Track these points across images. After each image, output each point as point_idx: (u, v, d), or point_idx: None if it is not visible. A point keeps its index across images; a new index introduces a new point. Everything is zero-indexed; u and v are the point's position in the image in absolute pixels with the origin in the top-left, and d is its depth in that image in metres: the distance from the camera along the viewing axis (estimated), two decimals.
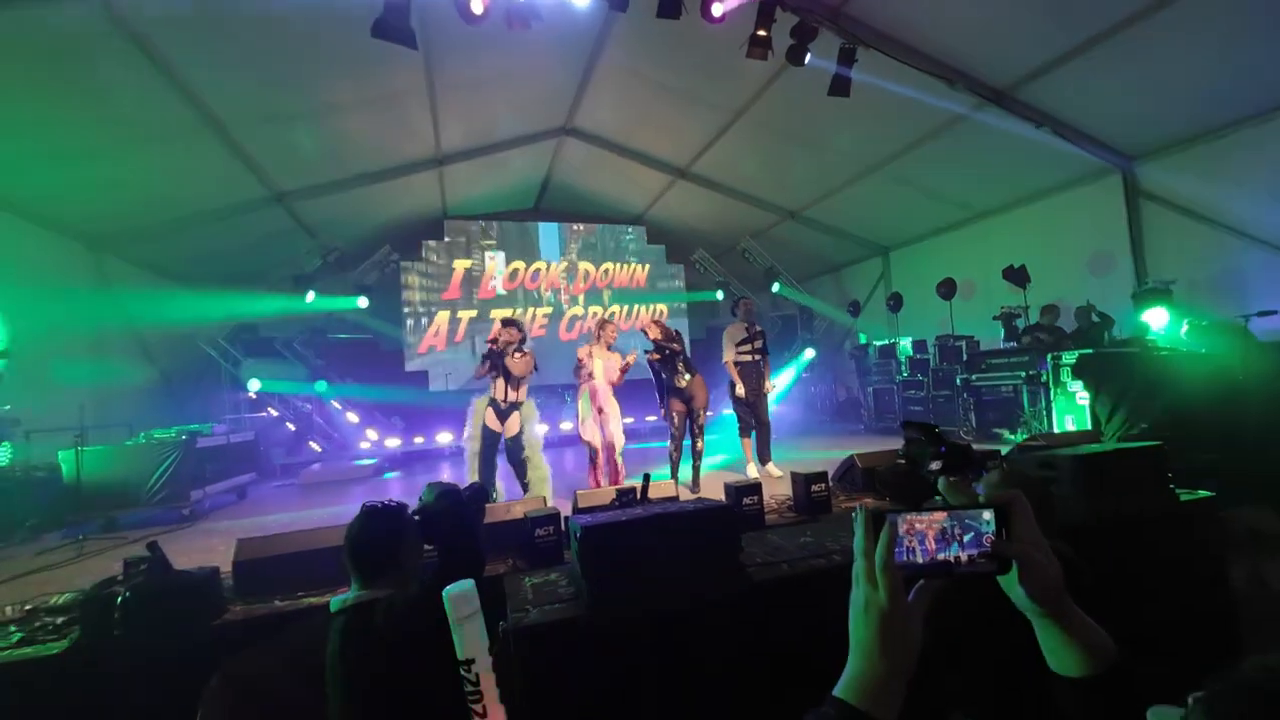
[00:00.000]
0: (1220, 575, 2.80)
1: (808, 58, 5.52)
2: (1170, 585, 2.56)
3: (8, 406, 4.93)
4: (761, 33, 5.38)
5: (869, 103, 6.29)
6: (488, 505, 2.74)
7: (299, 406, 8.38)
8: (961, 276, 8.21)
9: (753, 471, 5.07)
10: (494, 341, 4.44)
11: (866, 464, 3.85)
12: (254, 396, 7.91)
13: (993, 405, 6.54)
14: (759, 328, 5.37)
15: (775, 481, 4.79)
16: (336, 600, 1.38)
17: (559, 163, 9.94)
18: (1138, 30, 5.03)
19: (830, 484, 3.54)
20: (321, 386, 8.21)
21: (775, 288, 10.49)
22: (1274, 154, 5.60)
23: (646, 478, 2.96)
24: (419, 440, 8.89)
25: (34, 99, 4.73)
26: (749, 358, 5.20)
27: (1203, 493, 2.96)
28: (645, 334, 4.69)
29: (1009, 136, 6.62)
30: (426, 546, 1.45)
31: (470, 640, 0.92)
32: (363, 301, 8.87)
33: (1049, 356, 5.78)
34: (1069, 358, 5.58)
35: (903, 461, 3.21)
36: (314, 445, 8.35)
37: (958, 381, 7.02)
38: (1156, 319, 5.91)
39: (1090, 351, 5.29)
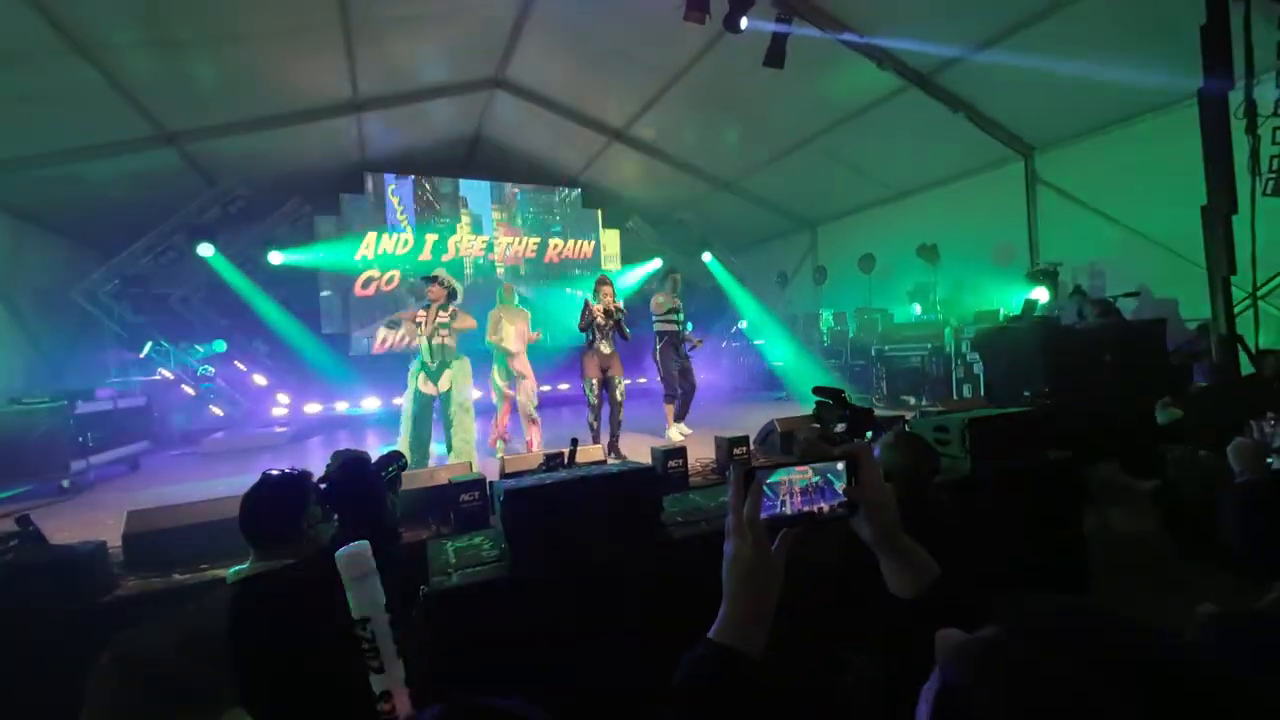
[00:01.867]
0: (1075, 519, 3.23)
1: (744, 23, 5.50)
2: (1035, 528, 2.94)
3: None
4: None
5: (802, 76, 6.38)
6: (411, 471, 2.68)
7: (198, 369, 7.72)
8: (880, 252, 8.66)
9: (674, 435, 5.24)
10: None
11: (785, 428, 4.06)
12: (164, 374, 7.21)
13: (902, 374, 7.03)
14: (678, 302, 5.58)
15: (696, 445, 4.97)
16: (233, 571, 1.33)
17: (489, 118, 9.47)
18: (1040, 29, 5.39)
19: (751, 447, 3.72)
20: (220, 346, 7.58)
21: (707, 258, 10.64)
22: (1143, 153, 6.21)
23: (574, 442, 2.99)
24: (341, 406, 8.47)
25: None
26: (674, 326, 5.40)
27: (1064, 452, 3.39)
28: (596, 292, 4.71)
29: (929, 119, 6.96)
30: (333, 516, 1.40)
31: (363, 599, 0.92)
32: (275, 257, 8.20)
33: (949, 329, 6.28)
34: (968, 331, 6.08)
35: (816, 425, 3.39)
36: (215, 410, 7.75)
37: (872, 352, 7.47)
38: (1042, 296, 6.52)
39: (988, 326, 5.79)
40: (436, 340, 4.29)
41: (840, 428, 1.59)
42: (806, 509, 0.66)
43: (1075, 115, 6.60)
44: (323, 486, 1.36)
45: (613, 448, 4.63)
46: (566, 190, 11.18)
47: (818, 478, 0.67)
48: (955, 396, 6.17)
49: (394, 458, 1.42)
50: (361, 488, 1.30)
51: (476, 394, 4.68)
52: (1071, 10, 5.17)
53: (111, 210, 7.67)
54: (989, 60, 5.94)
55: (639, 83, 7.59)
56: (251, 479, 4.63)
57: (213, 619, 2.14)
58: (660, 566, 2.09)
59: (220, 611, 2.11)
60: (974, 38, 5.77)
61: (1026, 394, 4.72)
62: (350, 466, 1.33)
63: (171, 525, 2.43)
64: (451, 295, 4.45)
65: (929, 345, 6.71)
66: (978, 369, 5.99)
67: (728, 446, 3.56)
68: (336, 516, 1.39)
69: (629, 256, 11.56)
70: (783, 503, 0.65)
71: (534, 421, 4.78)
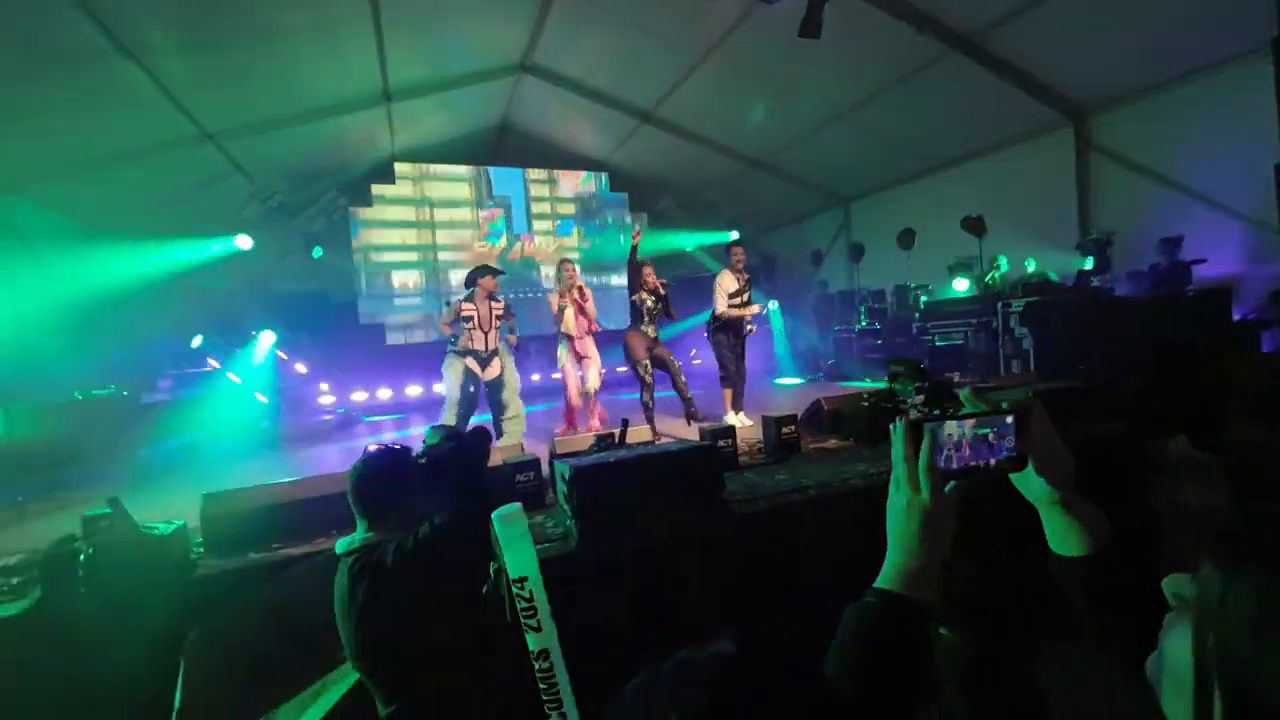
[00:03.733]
0: (1141, 496, 3.12)
1: None
2: (1103, 503, 2.84)
3: None
4: None
5: (836, 47, 6.17)
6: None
7: (247, 363, 7.97)
8: (919, 227, 8.40)
9: (731, 420, 5.17)
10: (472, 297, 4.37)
11: (832, 406, 3.99)
12: (212, 363, 7.46)
13: (945, 351, 6.84)
14: (746, 276, 5.24)
15: (743, 429, 4.92)
16: (343, 542, 1.36)
17: (517, 104, 9.44)
18: None
19: (798, 426, 3.67)
20: (269, 337, 7.81)
21: (734, 235, 10.48)
22: (1214, 111, 5.84)
23: (625, 422, 3.00)
24: (383, 395, 8.68)
25: None
26: (739, 312, 5.11)
27: (1121, 425, 3.27)
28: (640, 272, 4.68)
29: (969, 87, 6.68)
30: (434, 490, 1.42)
31: (521, 559, 0.93)
32: (317, 252, 8.39)
33: (999, 304, 6.06)
34: (1017, 305, 5.87)
35: (866, 403, 3.34)
36: (260, 397, 8.02)
37: (913, 329, 7.29)
38: (1094, 268, 6.25)
39: (1036, 300, 5.58)
40: (492, 332, 4.37)
41: (919, 399, 1.54)
42: (972, 463, 0.64)
43: (1131, 74, 6.24)
44: (422, 462, 1.39)
45: (692, 416, 4.64)
46: (592, 176, 11.13)
47: (985, 431, 0.64)
48: (1002, 373, 5.98)
49: (484, 434, 1.44)
50: (462, 461, 1.32)
51: (535, 377, 4.72)
52: None
53: (159, 208, 7.92)
54: (1037, 18, 5.64)
55: (669, 61, 7.46)
56: (305, 465, 4.75)
57: (290, 596, 2.23)
58: (726, 542, 2.08)
59: (302, 588, 2.19)
60: None
61: (1081, 368, 4.55)
62: (451, 441, 1.35)
63: (246, 507, 2.51)
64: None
65: (973, 321, 6.50)
66: (1026, 344, 5.78)
67: (776, 426, 3.52)
68: (437, 491, 1.41)
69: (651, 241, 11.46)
70: (947, 456, 0.63)
71: (595, 405, 4.72)
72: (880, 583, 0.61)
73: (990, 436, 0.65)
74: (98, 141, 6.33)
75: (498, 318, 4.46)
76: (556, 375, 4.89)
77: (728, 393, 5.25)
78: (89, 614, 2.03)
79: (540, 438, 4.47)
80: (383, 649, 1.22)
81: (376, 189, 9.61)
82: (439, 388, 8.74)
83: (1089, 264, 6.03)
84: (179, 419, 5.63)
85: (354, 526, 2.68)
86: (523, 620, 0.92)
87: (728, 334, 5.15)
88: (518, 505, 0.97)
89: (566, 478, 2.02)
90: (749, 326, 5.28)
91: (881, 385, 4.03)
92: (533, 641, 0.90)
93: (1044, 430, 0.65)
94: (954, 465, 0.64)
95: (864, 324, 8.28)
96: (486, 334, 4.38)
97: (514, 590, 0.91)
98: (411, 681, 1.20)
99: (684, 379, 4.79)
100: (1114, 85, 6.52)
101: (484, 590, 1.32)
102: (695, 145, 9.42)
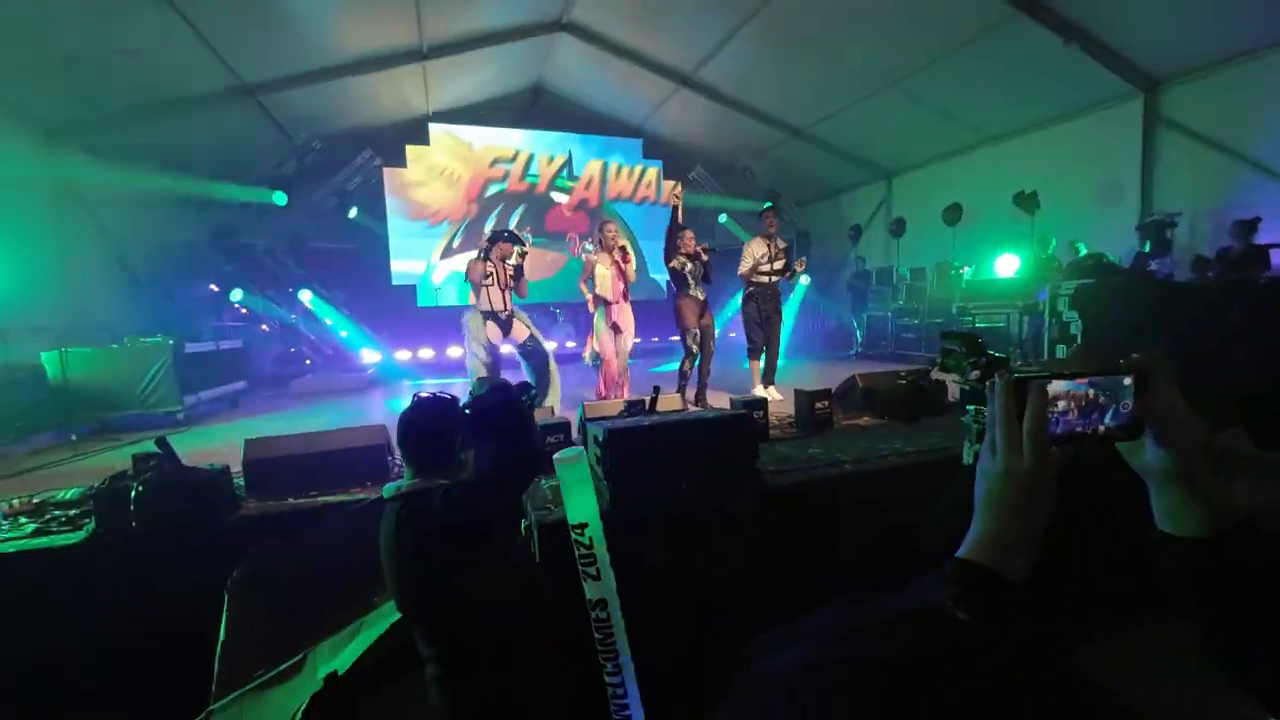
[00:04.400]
0: None
1: None
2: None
3: None
4: None
5: (893, 9, 5.85)
6: None
7: (285, 317, 8.18)
8: (967, 203, 8.05)
9: (759, 393, 5.09)
10: (489, 255, 4.32)
11: (867, 384, 3.90)
12: (241, 311, 7.67)
13: (986, 334, 6.61)
14: (782, 244, 5.07)
15: (774, 403, 4.85)
16: (390, 487, 1.38)
17: (552, 65, 9.24)
18: None
19: (831, 402, 3.59)
20: (306, 294, 7.97)
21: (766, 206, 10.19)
22: None
23: (656, 390, 2.96)
24: (407, 355, 8.82)
25: None
26: (766, 279, 4.97)
27: None
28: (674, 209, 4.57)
29: (1035, 53, 6.27)
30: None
31: (581, 504, 0.91)
32: (353, 212, 8.47)
33: (1048, 285, 5.79)
34: (1067, 287, 5.59)
35: (903, 381, 3.23)
36: (300, 354, 8.24)
37: (953, 310, 7.05)
38: (1154, 251, 5.90)
39: (1091, 281, 5.30)
40: (508, 291, 4.33)
41: (974, 375, 1.45)
42: (1079, 429, 0.58)
43: (1210, 42, 5.77)
44: (468, 412, 1.38)
45: (699, 399, 4.55)
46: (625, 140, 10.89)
47: (1091, 389, 0.58)
48: (1047, 357, 5.75)
49: (527, 387, 1.43)
50: (509, 413, 1.31)
51: (570, 344, 4.68)
52: None
53: (203, 164, 8.06)
54: None
55: (712, 21, 7.17)
56: (340, 419, 4.83)
57: (328, 540, 2.28)
58: (757, 512, 2.05)
59: (338, 534, 2.24)
60: None
61: (1135, 356, 4.32)
62: (498, 392, 1.34)
63: (285, 453, 2.57)
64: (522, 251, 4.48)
65: (1019, 303, 6.24)
66: (1074, 329, 5.52)
67: (809, 400, 3.45)
68: (479, 444, 1.40)
69: (689, 207, 11.23)
70: (1053, 420, 0.57)
71: (624, 377, 4.63)
72: (963, 553, 0.56)
73: (1100, 399, 0.58)
74: (144, 92, 6.42)
75: (512, 277, 4.38)
76: (572, 344, 4.82)
77: (755, 365, 5.15)
78: (138, 549, 2.12)
79: (567, 403, 4.47)
80: (426, 592, 1.24)
81: (411, 150, 9.57)
82: (452, 351, 8.85)
83: (1148, 247, 5.69)
84: (220, 368, 5.81)
85: (385, 478, 2.74)
86: (580, 568, 0.91)
87: (756, 304, 5.00)
88: (579, 449, 0.95)
89: (600, 439, 2.01)
90: (792, 274, 5.10)
91: (916, 367, 3.92)
92: (590, 590, 0.89)
93: (1169, 393, 0.58)
94: (1057, 430, 0.57)
95: (901, 303, 8.04)
96: (504, 293, 4.34)
97: (573, 537, 0.90)
98: (452, 624, 1.22)
99: (711, 352, 4.72)
100: (1190, 55, 6.03)
101: (515, 544, 1.32)
102: (733, 112, 9.12)
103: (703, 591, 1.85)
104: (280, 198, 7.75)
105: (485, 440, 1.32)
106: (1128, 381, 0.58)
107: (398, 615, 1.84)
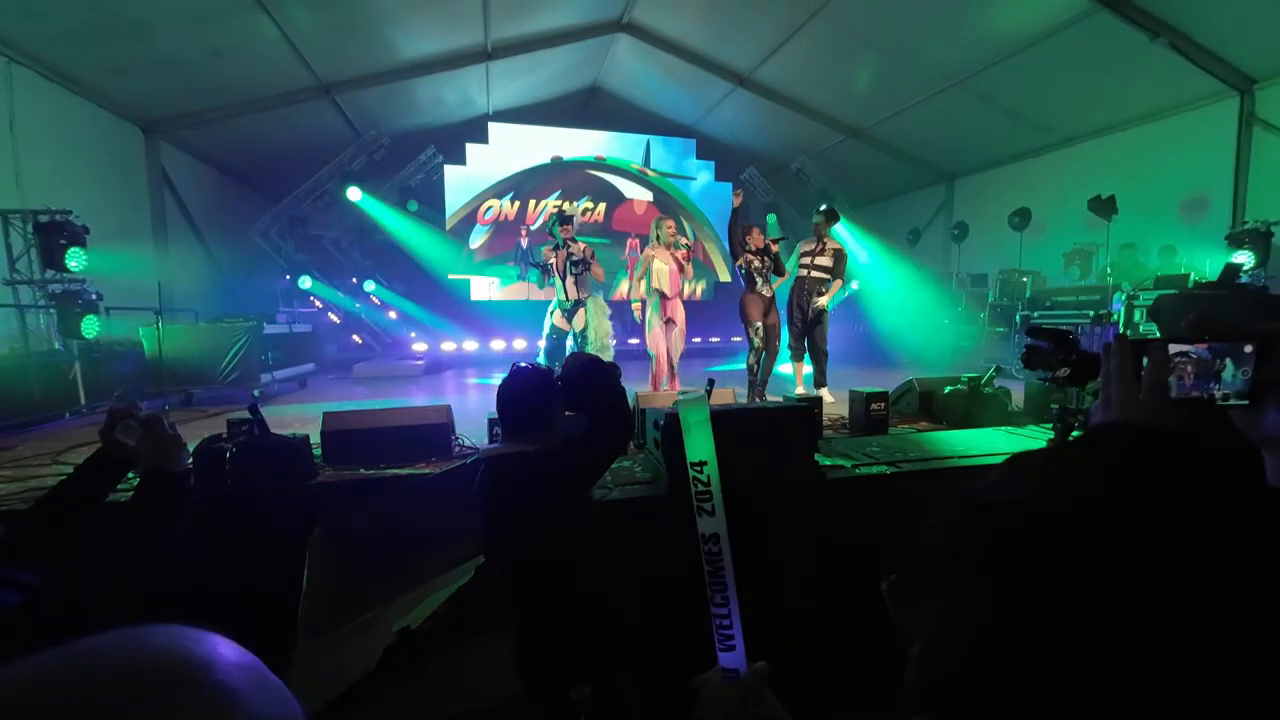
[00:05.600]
0: None
1: None
2: None
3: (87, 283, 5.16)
4: None
5: (960, 4, 5.67)
6: None
7: (349, 305, 8.61)
8: (1034, 207, 7.70)
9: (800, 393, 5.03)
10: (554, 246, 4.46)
11: (924, 388, 3.81)
12: (314, 303, 8.13)
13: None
14: (833, 245, 4.96)
15: (828, 404, 4.77)
16: (487, 449, 1.47)
17: (610, 65, 9.37)
18: None
19: (887, 405, 3.53)
20: (370, 285, 8.37)
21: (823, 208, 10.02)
22: None
23: (711, 382, 2.98)
24: (471, 346, 9.13)
25: None
26: (806, 271, 4.88)
27: None
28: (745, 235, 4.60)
29: (1116, 49, 5.95)
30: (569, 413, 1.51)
31: (701, 445, 0.97)
32: (413, 207, 8.85)
33: (1123, 296, 5.50)
34: (1146, 298, 5.30)
35: (963, 386, 3.13)
36: (356, 339, 8.66)
37: (1017, 318, 6.76)
38: (1247, 261, 5.50)
39: (1172, 292, 5.01)
40: (569, 279, 4.44)
41: (1063, 372, 1.42)
42: (1195, 392, 0.58)
43: None
44: (560, 384, 1.46)
45: (760, 395, 4.54)
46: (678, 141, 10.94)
47: (1214, 359, 0.58)
48: None
49: (616, 366, 1.49)
50: (602, 385, 1.38)
51: (632, 341, 4.75)
52: None
53: (278, 157, 8.58)
54: None
55: (773, 19, 7.10)
56: (400, 401, 5.05)
57: (398, 509, 2.41)
58: (814, 503, 2.05)
59: (404, 503, 2.37)
60: None
61: (1258, 322, 4.04)
62: (589, 365, 1.42)
63: (360, 427, 2.74)
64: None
65: (1090, 313, 5.93)
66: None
67: (864, 401, 3.39)
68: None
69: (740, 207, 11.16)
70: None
71: (674, 374, 4.67)
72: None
73: (1217, 366, 0.58)
74: (232, 88, 6.89)
75: (573, 265, 4.48)
76: (616, 342, 4.85)
77: (798, 367, 5.08)
78: (234, 500, 2.30)
79: None
80: (514, 546, 1.32)
81: (471, 149, 9.90)
82: (519, 343, 9.13)
83: (1244, 256, 5.31)
84: (293, 349, 6.17)
85: (449, 456, 2.86)
86: (697, 504, 0.96)
87: (795, 300, 4.92)
88: (701, 391, 1.00)
89: (660, 424, 2.05)
90: (821, 300, 4.94)
91: (973, 374, 3.79)
92: (705, 525, 0.94)
93: None
94: (1172, 394, 0.58)
95: (961, 308, 7.77)
96: (564, 282, 4.45)
97: (691, 474, 0.96)
98: (535, 577, 1.30)
99: (776, 349, 4.70)
100: None
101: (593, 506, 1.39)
102: (789, 111, 9.02)
103: (755, 572, 1.86)
104: (352, 191, 8.15)
105: (578, 408, 1.39)
106: (1248, 349, 0.58)
107: (466, 578, 1.95)
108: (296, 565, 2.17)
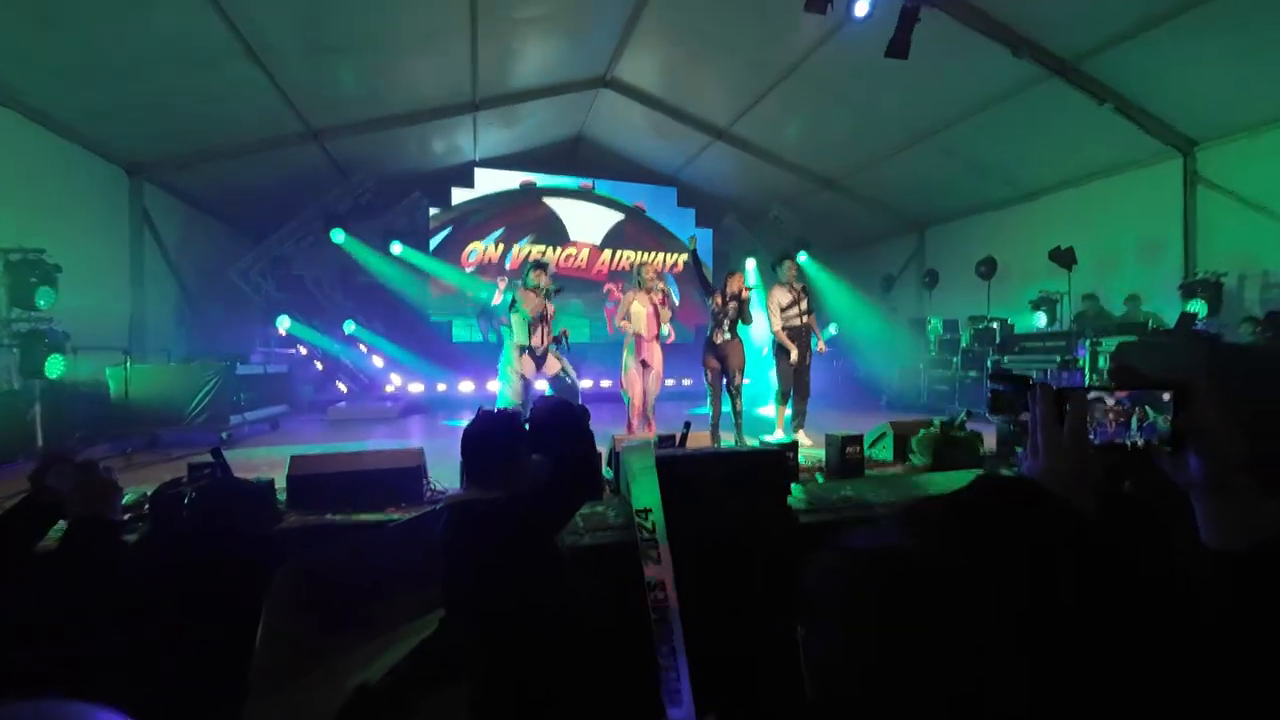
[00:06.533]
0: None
1: (866, 7, 5.28)
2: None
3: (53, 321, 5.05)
4: None
5: (925, 67, 6.02)
6: None
7: (327, 346, 8.52)
8: (1001, 256, 8.03)
9: (778, 437, 5.06)
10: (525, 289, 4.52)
11: (900, 431, 3.85)
12: (283, 334, 8.04)
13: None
14: (801, 285, 5.14)
15: (804, 447, 4.79)
16: (449, 495, 1.44)
17: (594, 117, 9.73)
18: (1218, 3, 4.75)
19: (863, 449, 3.56)
20: (350, 326, 8.31)
21: (801, 257, 10.33)
22: None
23: (687, 425, 3.00)
24: (441, 387, 9.03)
25: (81, 8, 4.66)
26: (797, 321, 5.03)
27: None
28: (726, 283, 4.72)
29: (1067, 112, 6.37)
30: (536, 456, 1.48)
31: (646, 491, 0.96)
32: (396, 248, 8.90)
33: (1087, 341, 5.69)
34: (1109, 344, 5.49)
35: (935, 430, 3.18)
36: (340, 385, 8.52)
37: (988, 364, 6.94)
38: (1200, 310, 5.76)
39: (1134, 339, 5.20)
40: (542, 325, 4.47)
41: (1025, 416, 1.47)
42: (1118, 439, 0.61)
43: (1251, 105, 5.77)
44: (526, 428, 1.45)
45: (715, 439, 4.54)
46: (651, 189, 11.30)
47: (1127, 402, 0.61)
48: None
49: (585, 410, 1.48)
50: (569, 430, 1.37)
51: (606, 383, 4.77)
52: None
53: (262, 199, 8.64)
54: (1145, 44, 5.33)
55: (748, 79, 7.51)
56: (372, 444, 4.96)
57: (368, 555, 2.34)
58: (789, 549, 2.04)
59: (374, 550, 2.30)
60: (1134, 18, 5.18)
61: (1172, 373, 4.17)
62: (558, 410, 1.41)
63: (328, 470, 2.67)
64: (555, 288, 4.67)
65: (1057, 358, 6.12)
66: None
67: (840, 445, 3.42)
68: (539, 455, 1.46)
69: (721, 254, 11.45)
70: (1091, 430, 0.60)
71: (649, 419, 4.67)
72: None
73: (1137, 412, 0.61)
74: (220, 134, 6.99)
75: (544, 316, 4.53)
76: (591, 383, 4.89)
77: (782, 409, 5.15)
78: (189, 551, 2.21)
79: (597, 437, 4.51)
80: (476, 596, 1.28)
81: (457, 192, 10.10)
82: (491, 385, 9.04)
83: (1195, 306, 5.57)
84: (265, 390, 6.05)
85: (420, 501, 2.80)
86: (642, 550, 0.95)
87: (788, 353, 5.03)
88: (650, 439, 1.00)
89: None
90: (820, 345, 5.16)
91: (945, 418, 3.86)
92: (650, 571, 0.92)
93: (1208, 408, 0.59)
94: (1095, 439, 0.60)
95: (933, 354, 7.95)
96: (538, 329, 4.48)
97: (636, 520, 0.94)
98: (498, 629, 1.25)
99: (738, 394, 4.76)
100: (1226, 118, 6.04)
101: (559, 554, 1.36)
102: (766, 162, 9.40)
103: (728, 618, 1.83)
104: (337, 234, 8.21)
105: (544, 456, 1.37)
106: (1166, 397, 0.60)
107: (430, 632, 1.87)
108: (252, 616, 2.07)
